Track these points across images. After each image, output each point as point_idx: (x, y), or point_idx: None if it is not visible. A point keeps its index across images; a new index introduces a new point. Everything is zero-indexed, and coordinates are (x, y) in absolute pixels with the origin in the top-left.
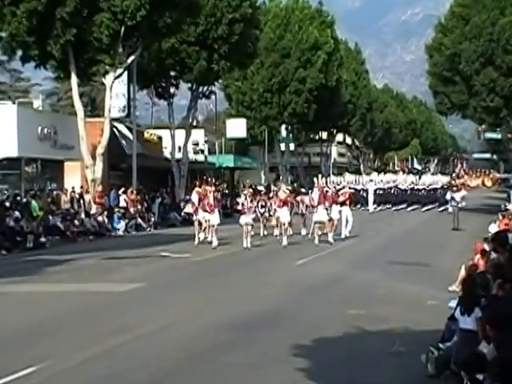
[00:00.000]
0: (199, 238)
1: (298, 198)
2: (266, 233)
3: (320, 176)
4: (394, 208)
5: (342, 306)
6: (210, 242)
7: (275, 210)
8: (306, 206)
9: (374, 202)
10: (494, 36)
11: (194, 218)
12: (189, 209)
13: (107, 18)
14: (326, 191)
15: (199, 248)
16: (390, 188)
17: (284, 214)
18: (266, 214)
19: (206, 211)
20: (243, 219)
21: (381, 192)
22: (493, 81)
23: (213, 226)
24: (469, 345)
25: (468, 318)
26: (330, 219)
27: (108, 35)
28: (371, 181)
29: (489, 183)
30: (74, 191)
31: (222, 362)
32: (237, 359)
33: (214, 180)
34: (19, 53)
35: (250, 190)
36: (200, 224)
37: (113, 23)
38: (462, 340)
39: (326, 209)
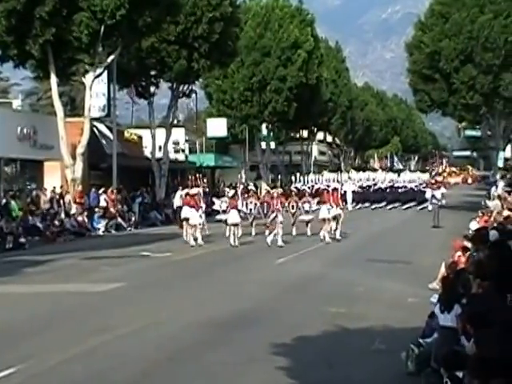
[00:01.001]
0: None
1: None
2: (255, 232)
3: (298, 175)
4: (372, 206)
5: (323, 304)
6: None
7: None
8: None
9: (353, 201)
10: (474, 34)
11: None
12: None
13: (87, 17)
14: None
15: (180, 247)
16: (369, 186)
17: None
18: (260, 215)
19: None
20: (231, 218)
21: (359, 190)
22: (472, 78)
23: (197, 225)
24: (449, 342)
25: (448, 315)
26: (335, 217)
27: (87, 34)
28: (350, 179)
29: (469, 180)
30: (53, 191)
31: (202, 361)
32: (217, 358)
33: (200, 178)
34: None
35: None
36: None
37: (92, 22)
38: (442, 337)
39: (329, 208)
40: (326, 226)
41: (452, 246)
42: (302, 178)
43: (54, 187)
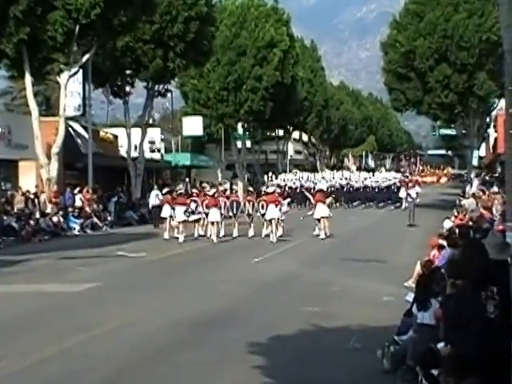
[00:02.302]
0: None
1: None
2: (237, 234)
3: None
4: (346, 206)
5: (298, 303)
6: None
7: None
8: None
9: None
10: (448, 33)
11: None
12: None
13: (61, 17)
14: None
15: (155, 247)
16: (342, 186)
17: (273, 212)
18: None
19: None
20: (212, 216)
21: (332, 190)
22: (447, 77)
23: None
24: (427, 339)
25: (425, 313)
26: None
27: (62, 34)
28: (323, 178)
29: (443, 179)
30: (28, 191)
31: (177, 361)
32: (192, 358)
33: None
34: None
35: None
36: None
37: (67, 21)
38: (421, 335)
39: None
40: (321, 224)
41: (428, 245)
42: (273, 177)
43: (30, 189)
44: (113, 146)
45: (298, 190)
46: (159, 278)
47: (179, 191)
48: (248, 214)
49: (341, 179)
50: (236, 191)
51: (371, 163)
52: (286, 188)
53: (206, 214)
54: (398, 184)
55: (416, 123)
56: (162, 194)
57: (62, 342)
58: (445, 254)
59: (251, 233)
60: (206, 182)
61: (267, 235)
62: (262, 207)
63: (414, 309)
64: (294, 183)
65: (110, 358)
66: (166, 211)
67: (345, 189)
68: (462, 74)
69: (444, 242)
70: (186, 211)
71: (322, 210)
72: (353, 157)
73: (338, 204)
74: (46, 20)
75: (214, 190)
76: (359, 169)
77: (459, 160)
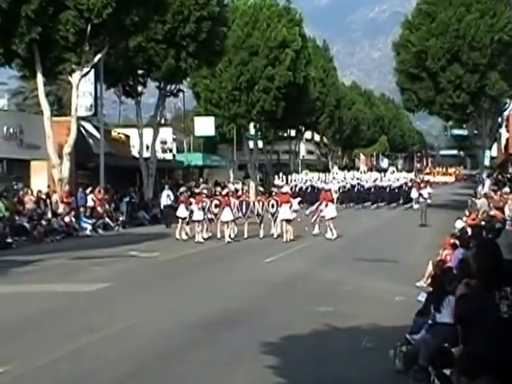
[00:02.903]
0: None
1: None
2: (248, 235)
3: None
4: (356, 207)
5: (310, 303)
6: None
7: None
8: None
9: (337, 201)
10: (460, 33)
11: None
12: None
13: (73, 16)
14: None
15: (167, 247)
16: (353, 186)
17: (286, 213)
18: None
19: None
20: (225, 216)
21: (344, 190)
22: (459, 77)
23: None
24: (441, 339)
25: (442, 312)
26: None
27: (74, 33)
28: (334, 178)
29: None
30: (40, 191)
31: (189, 360)
32: (205, 358)
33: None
34: None
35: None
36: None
37: (79, 21)
38: (434, 334)
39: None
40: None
41: (439, 245)
42: (284, 178)
43: (40, 190)
44: (125, 146)
45: (308, 190)
46: (171, 278)
47: (202, 190)
48: (258, 214)
49: (352, 179)
50: (247, 191)
51: (384, 163)
52: (296, 188)
53: (215, 215)
54: (410, 184)
55: (428, 123)
56: (178, 194)
57: (73, 342)
58: (457, 254)
59: (262, 234)
60: (218, 182)
61: (279, 235)
62: (272, 206)
63: (432, 309)
64: (306, 182)
65: (121, 358)
66: (181, 211)
67: (355, 189)
68: (473, 74)
69: (456, 242)
70: (203, 209)
71: (328, 210)
72: (364, 157)
73: (347, 204)
74: (58, 20)
75: (226, 190)
76: (371, 169)
77: (471, 160)
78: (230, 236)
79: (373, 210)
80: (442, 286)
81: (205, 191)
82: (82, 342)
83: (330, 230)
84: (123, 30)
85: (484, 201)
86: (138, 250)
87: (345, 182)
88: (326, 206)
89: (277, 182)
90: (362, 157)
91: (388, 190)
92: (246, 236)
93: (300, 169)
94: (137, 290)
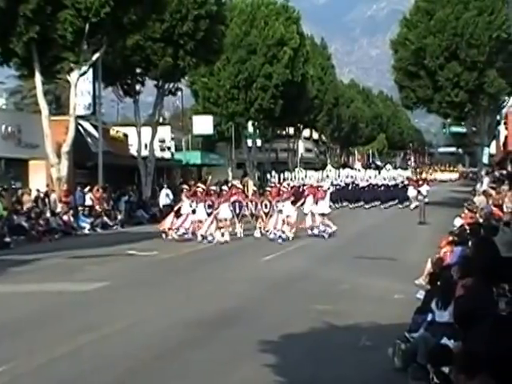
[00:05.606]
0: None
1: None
2: (242, 234)
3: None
4: (350, 206)
5: (309, 301)
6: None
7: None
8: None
9: (331, 199)
10: (458, 30)
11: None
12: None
13: (71, 15)
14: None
15: (166, 246)
16: (347, 184)
17: (289, 209)
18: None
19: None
20: (222, 213)
21: (338, 188)
22: (457, 75)
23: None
24: (440, 336)
25: (445, 311)
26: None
27: (72, 32)
28: (328, 177)
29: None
30: (38, 190)
31: (188, 359)
32: (203, 356)
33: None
34: None
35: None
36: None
37: (77, 20)
38: (434, 332)
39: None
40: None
41: (438, 242)
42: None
43: (38, 189)
44: (123, 144)
45: (301, 189)
46: (170, 277)
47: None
48: (251, 214)
49: (346, 177)
50: (242, 190)
51: (378, 162)
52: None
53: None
54: (406, 182)
55: (426, 121)
56: (181, 191)
57: (72, 341)
58: (456, 252)
59: (257, 234)
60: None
61: (282, 235)
62: (266, 206)
63: (434, 306)
64: (301, 179)
65: (120, 357)
66: (185, 208)
67: (350, 187)
68: (472, 72)
69: (455, 239)
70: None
71: (319, 206)
72: (359, 154)
73: (341, 204)
74: (56, 19)
75: (230, 184)
76: (366, 167)
77: (469, 158)
78: (223, 235)
79: (368, 209)
80: (440, 283)
81: (213, 187)
82: (80, 341)
83: (326, 226)
84: (121, 28)
85: (483, 198)
86: (137, 249)
87: (339, 180)
88: (317, 203)
89: (273, 180)
90: (358, 154)
91: (383, 188)
92: (240, 235)
93: (298, 167)
94: (135, 289)
